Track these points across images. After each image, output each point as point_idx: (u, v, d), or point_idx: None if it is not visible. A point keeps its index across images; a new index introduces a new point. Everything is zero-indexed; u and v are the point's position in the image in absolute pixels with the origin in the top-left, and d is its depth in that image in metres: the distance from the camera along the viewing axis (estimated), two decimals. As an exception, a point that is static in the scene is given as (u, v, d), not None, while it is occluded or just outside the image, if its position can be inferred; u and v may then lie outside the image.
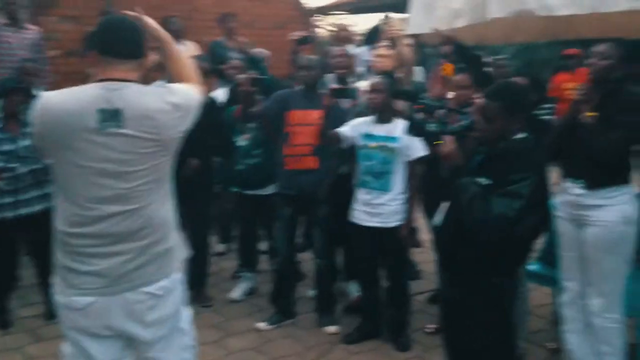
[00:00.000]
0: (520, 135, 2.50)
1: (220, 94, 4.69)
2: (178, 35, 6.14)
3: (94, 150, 1.97)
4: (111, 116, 1.97)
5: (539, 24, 4.80)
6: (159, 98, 2.07)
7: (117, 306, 2.06)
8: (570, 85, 6.12)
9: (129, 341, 2.17)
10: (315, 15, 11.15)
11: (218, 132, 4.19)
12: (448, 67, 3.79)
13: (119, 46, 2.04)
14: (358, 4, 13.11)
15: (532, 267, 3.68)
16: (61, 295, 2.08)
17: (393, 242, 3.61)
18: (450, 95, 3.71)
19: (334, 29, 7.13)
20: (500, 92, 2.55)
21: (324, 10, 13.27)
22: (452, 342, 2.74)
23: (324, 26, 14.01)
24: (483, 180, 2.43)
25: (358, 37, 7.47)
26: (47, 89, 5.96)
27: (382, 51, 4.75)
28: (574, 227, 3.00)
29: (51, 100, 2.01)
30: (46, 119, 1.98)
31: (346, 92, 3.86)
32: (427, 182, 3.67)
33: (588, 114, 2.88)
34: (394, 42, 4.67)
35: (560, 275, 3.21)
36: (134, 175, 2.02)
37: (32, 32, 5.97)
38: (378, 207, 3.61)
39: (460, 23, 4.02)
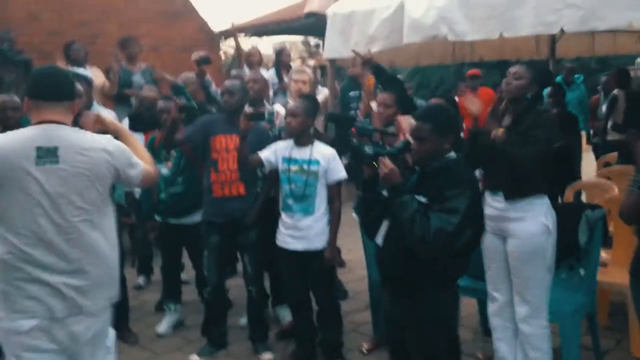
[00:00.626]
0: (451, 154, 2.64)
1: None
2: (80, 61, 5.91)
3: (32, 183, 2.17)
4: (49, 152, 2.17)
5: (446, 48, 5.11)
6: (90, 139, 2.31)
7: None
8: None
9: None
10: (220, 38, 11.13)
11: None
12: (370, 80, 3.90)
13: (49, 91, 2.27)
14: (259, 27, 13.23)
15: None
16: None
17: (319, 264, 3.63)
18: (374, 111, 3.79)
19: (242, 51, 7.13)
20: (430, 114, 2.68)
21: (228, 33, 13.27)
22: (399, 353, 2.81)
23: (228, 49, 14.02)
24: (420, 198, 2.54)
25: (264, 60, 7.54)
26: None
27: (299, 77, 4.82)
28: (497, 240, 3.16)
29: None
30: None
31: (261, 116, 3.87)
32: (365, 203, 3.73)
33: (499, 130, 3.07)
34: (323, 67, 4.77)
35: (485, 286, 3.37)
36: (70, 204, 2.22)
37: None
38: (302, 230, 3.63)
39: (375, 48, 4.18)
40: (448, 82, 13.17)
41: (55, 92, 2.27)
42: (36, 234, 2.17)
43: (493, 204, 3.15)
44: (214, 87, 4.56)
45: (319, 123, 4.43)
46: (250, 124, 3.62)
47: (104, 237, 2.32)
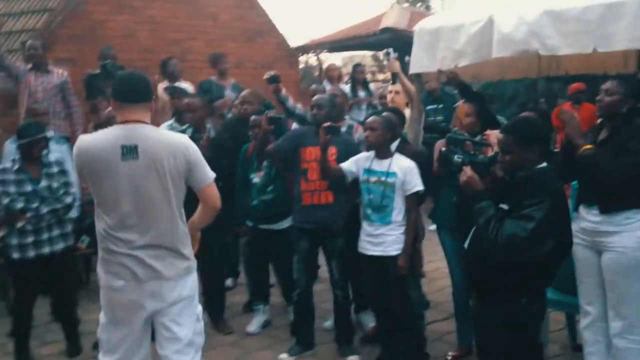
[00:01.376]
0: (541, 166, 2.70)
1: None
2: (175, 76, 6.28)
3: (120, 175, 2.58)
4: (130, 150, 2.56)
5: (532, 61, 5.10)
6: (168, 136, 2.73)
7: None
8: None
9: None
10: (298, 53, 11.45)
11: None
12: (462, 109, 3.96)
13: (129, 94, 2.64)
14: (334, 42, 13.51)
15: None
16: None
17: (393, 271, 3.70)
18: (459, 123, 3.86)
19: (322, 67, 7.40)
20: (515, 127, 2.78)
21: (305, 49, 13.61)
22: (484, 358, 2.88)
23: (306, 64, 14.37)
24: (504, 207, 2.62)
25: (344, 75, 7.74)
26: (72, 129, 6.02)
27: (393, 87, 4.98)
28: (592, 253, 3.16)
29: (86, 140, 2.67)
30: (83, 155, 2.62)
31: (336, 130, 4.02)
32: (459, 211, 3.81)
33: (585, 147, 3.08)
34: (397, 76, 4.89)
35: (575, 300, 3.36)
36: (146, 195, 2.60)
37: (57, 76, 6.05)
38: (379, 237, 3.74)
39: (463, 62, 4.24)
40: (522, 96, 12.92)
41: (134, 95, 2.64)
42: (122, 217, 2.62)
43: (588, 218, 3.15)
44: (291, 102, 4.73)
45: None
46: (328, 136, 3.78)
47: (178, 218, 2.70)
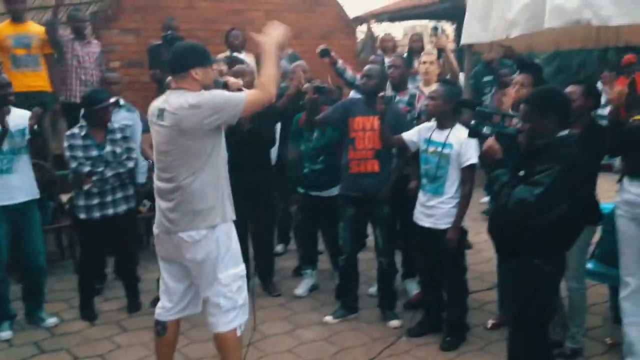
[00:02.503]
0: (561, 134, 2.72)
1: None
2: (239, 47, 6.45)
3: (154, 134, 2.94)
4: (160, 112, 2.87)
5: (589, 32, 4.97)
6: (182, 99, 2.81)
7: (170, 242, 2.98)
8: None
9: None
10: (357, 24, 11.42)
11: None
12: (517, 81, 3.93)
13: (171, 65, 2.94)
14: (394, 12, 13.35)
15: (589, 265, 3.85)
16: None
17: (444, 243, 3.77)
18: (511, 93, 3.86)
19: (379, 37, 7.36)
20: (533, 97, 2.84)
21: (364, 19, 13.52)
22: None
23: (367, 34, 14.26)
24: (521, 173, 2.70)
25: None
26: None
27: (427, 58, 4.98)
28: (634, 225, 3.16)
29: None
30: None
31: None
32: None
33: (635, 118, 3.04)
34: (442, 52, 4.88)
35: (618, 271, 3.36)
36: (168, 153, 2.87)
37: (95, 45, 6.35)
38: (431, 209, 3.82)
39: (515, 33, 4.18)
40: (590, 67, 12.44)
41: (171, 66, 2.94)
42: (157, 175, 2.99)
43: (630, 189, 3.14)
44: (349, 72, 4.82)
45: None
46: (385, 106, 3.86)
47: (199, 179, 2.87)
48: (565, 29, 4.58)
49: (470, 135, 3.10)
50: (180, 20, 7.20)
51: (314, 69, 5.35)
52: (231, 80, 3.30)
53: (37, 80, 5.85)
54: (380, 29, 15.26)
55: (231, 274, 2.98)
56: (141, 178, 4.87)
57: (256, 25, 8.19)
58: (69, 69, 6.01)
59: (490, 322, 4.03)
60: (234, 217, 3.05)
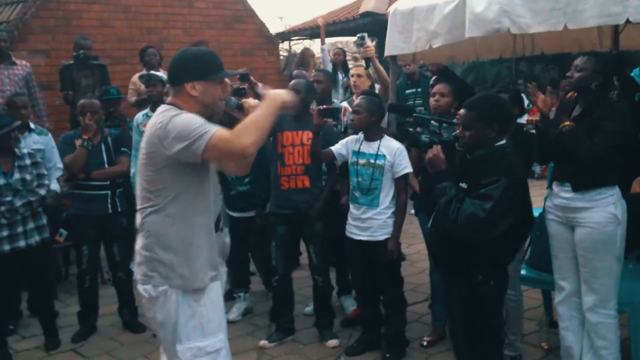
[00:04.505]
0: (500, 143, 2.71)
1: None
2: (156, 65, 6.21)
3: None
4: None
5: (506, 41, 5.10)
6: (161, 117, 2.31)
7: None
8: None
9: None
10: (278, 40, 11.37)
11: None
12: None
13: (168, 74, 2.53)
14: (315, 29, 13.42)
15: (521, 271, 3.88)
16: None
17: (381, 255, 3.72)
18: (432, 103, 3.87)
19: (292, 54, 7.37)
20: (476, 103, 2.80)
21: (285, 36, 13.52)
22: (454, 335, 2.98)
23: (285, 51, 14.27)
24: (463, 185, 2.66)
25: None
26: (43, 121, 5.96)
27: (356, 71, 4.96)
28: (566, 229, 3.18)
29: None
30: None
31: (334, 112, 4.01)
32: (423, 190, 3.84)
33: (565, 123, 3.09)
34: (370, 61, 4.86)
35: (551, 277, 3.39)
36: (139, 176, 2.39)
37: (21, 67, 5.97)
38: (367, 222, 3.74)
39: (437, 43, 4.20)
40: (505, 79, 12.97)
41: (168, 76, 2.54)
42: None
43: (560, 194, 3.17)
44: None
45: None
46: (323, 120, 3.77)
47: (161, 221, 2.34)
48: (484, 39, 4.69)
49: (409, 143, 3.04)
50: (94, 39, 6.89)
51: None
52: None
53: None
54: (301, 46, 15.37)
55: (193, 347, 2.37)
56: (54, 185, 4.54)
57: (174, 43, 8.03)
58: None
59: (425, 340, 3.95)
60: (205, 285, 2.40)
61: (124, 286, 4.39)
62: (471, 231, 2.58)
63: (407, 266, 5.33)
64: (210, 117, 2.43)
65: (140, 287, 2.39)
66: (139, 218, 2.39)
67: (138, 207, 2.39)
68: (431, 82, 4.28)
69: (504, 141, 2.74)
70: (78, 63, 6.05)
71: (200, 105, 2.35)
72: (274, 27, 12.67)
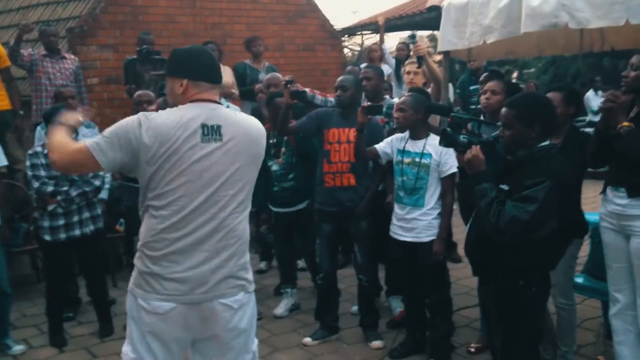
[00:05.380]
0: (542, 144, 2.57)
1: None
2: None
3: (196, 158, 2.18)
4: (212, 131, 2.21)
5: (571, 36, 4.85)
6: (255, 122, 2.37)
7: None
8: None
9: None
10: (342, 36, 11.32)
11: None
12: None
13: (212, 74, 2.31)
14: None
15: (578, 279, 3.69)
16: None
17: (426, 257, 3.61)
18: (482, 101, 3.73)
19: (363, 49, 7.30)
20: (517, 102, 2.66)
21: (351, 31, 13.45)
22: (491, 343, 2.86)
23: (352, 46, 14.23)
24: (504, 187, 2.54)
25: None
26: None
27: (411, 68, 4.86)
28: (620, 238, 2.99)
29: (156, 119, 2.18)
30: (153, 132, 2.14)
31: (378, 110, 3.92)
32: (461, 191, 3.72)
33: (624, 124, 2.89)
34: (422, 59, 4.74)
35: (607, 287, 3.20)
36: (223, 184, 2.23)
37: (70, 61, 6.20)
38: (411, 222, 3.65)
39: (491, 39, 4.07)
40: (586, 75, 12.38)
41: (216, 75, 2.33)
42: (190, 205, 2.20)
43: (615, 200, 2.98)
44: (319, 97, 4.51)
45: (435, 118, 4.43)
46: (368, 117, 3.70)
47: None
48: (546, 33, 4.47)
49: (445, 143, 2.93)
50: (159, 34, 7.08)
51: (299, 82, 5.19)
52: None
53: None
54: (373, 40, 15.25)
55: (256, 346, 2.44)
56: (103, 194, 4.69)
57: (237, 38, 8.12)
58: (38, 87, 5.85)
59: (473, 347, 3.82)
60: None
61: None
62: (513, 234, 2.45)
63: (460, 268, 5.18)
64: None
65: (225, 301, 2.24)
66: (224, 224, 2.25)
67: (223, 212, 2.24)
68: (481, 78, 4.11)
69: (547, 142, 2.59)
70: (141, 58, 6.24)
71: (171, 103, 2.35)
72: (347, 21, 12.61)
